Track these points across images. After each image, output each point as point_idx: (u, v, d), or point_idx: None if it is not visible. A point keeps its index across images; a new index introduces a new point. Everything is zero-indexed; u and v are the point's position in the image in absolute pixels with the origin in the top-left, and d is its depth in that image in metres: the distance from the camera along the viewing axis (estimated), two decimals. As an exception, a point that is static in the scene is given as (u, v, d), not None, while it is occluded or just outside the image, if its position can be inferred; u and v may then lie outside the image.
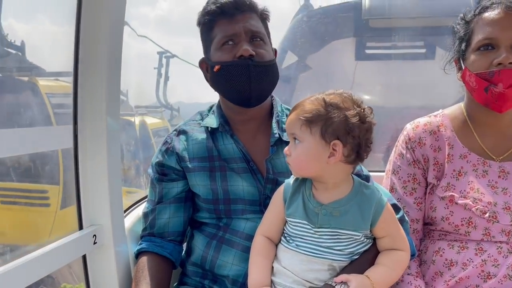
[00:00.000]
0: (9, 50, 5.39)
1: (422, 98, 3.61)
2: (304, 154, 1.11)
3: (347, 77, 3.90)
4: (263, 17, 1.36)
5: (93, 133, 1.31)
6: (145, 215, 1.42)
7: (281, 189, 1.20)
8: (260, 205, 1.31)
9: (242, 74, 1.26)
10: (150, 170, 1.43)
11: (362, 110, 1.11)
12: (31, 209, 5.14)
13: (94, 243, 1.33)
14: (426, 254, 1.42)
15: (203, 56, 1.38)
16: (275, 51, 1.40)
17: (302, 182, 1.18)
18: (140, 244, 1.40)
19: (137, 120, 8.27)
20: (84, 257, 1.36)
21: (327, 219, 1.12)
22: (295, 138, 1.13)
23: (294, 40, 4.28)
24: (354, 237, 1.13)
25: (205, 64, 1.37)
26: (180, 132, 1.41)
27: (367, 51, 4.20)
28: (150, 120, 8.86)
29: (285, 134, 1.31)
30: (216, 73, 1.30)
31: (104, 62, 1.28)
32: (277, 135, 1.33)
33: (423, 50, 4.01)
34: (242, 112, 1.36)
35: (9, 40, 5.31)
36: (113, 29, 1.29)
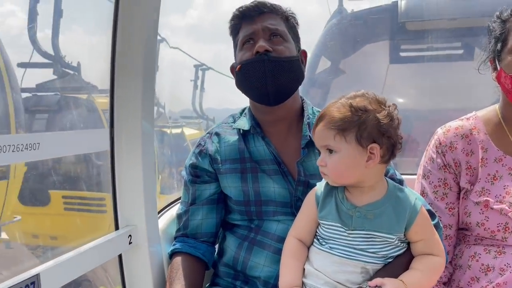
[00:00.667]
0: (67, 70, 5.69)
1: (459, 100, 3.51)
2: (342, 164, 1.10)
3: (381, 81, 3.86)
4: (287, 18, 1.38)
5: (129, 136, 1.36)
6: (179, 216, 1.45)
7: (313, 192, 1.20)
8: (291, 207, 1.32)
9: (258, 69, 1.28)
10: (183, 172, 1.46)
11: (389, 108, 1.11)
12: (90, 215, 5.42)
13: (130, 243, 1.37)
14: (461, 258, 1.39)
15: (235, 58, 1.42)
16: (304, 52, 1.41)
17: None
18: (174, 244, 1.43)
19: (175, 131, 8.53)
20: (120, 257, 1.42)
21: (361, 222, 1.11)
22: (328, 149, 1.11)
23: (327, 45, 4.28)
24: (389, 240, 1.12)
25: (233, 69, 1.41)
26: (213, 134, 1.43)
27: (402, 54, 4.14)
28: (188, 131, 9.09)
29: None
30: (238, 73, 1.34)
31: (139, 69, 1.33)
32: (308, 138, 1.33)
33: (461, 51, 3.91)
34: (269, 112, 1.37)
35: (67, 62, 5.62)
36: (147, 39, 1.34)
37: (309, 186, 1.28)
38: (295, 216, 1.27)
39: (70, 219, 5.42)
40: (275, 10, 1.36)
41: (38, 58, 5.28)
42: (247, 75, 1.31)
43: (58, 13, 5.30)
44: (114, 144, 1.37)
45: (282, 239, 1.24)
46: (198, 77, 10.32)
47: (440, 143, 1.42)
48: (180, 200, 1.50)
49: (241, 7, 1.36)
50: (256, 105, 1.38)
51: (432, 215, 1.25)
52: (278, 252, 1.24)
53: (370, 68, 4.14)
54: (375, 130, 1.07)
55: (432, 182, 1.42)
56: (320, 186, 1.19)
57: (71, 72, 5.74)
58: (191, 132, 9.16)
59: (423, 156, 1.49)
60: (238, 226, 1.40)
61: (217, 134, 1.43)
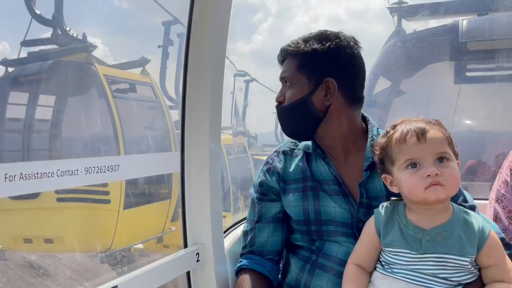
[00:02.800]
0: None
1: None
2: (457, 172, 1.10)
3: (447, 101, 3.75)
4: (301, 56, 1.35)
5: (198, 159, 1.44)
6: (245, 233, 1.48)
7: (372, 219, 1.19)
8: (353, 228, 1.31)
9: (278, 118, 1.43)
10: (251, 190, 1.49)
11: None
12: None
13: (197, 260, 1.44)
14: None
15: None
16: (327, 82, 1.33)
17: (394, 210, 1.16)
18: (240, 261, 1.45)
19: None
20: (188, 274, 1.48)
21: (432, 245, 1.08)
22: (441, 157, 1.09)
23: (387, 65, 4.24)
24: (462, 263, 1.08)
25: None
26: (280, 153, 1.47)
27: (468, 74, 4.01)
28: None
29: None
30: None
31: (207, 96, 1.42)
32: (370, 160, 1.31)
33: (534, 71, 3.72)
34: (317, 139, 1.41)
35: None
36: (215, 66, 1.43)
37: (372, 208, 1.27)
38: (356, 238, 1.27)
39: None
40: (293, 53, 1.37)
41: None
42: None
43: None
44: (184, 166, 1.45)
45: (343, 262, 1.24)
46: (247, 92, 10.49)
47: None
48: (245, 220, 1.54)
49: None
50: None
51: (507, 245, 1.20)
52: (340, 275, 1.24)
53: (433, 88, 4.05)
54: (456, 147, 1.13)
55: (506, 206, 1.37)
56: (378, 213, 1.18)
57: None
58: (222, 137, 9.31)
59: (496, 179, 1.44)
60: (300, 247, 1.41)
61: (284, 153, 1.46)
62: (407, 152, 1.10)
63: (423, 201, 1.09)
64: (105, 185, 5.47)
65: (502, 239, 1.17)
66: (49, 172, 1.02)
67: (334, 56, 1.33)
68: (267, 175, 1.45)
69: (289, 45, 1.38)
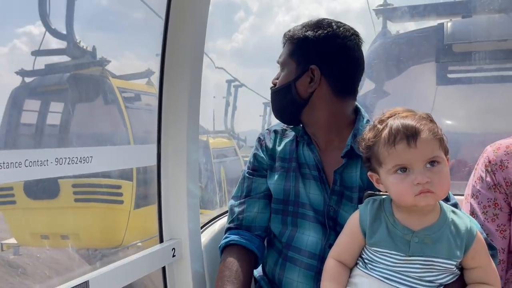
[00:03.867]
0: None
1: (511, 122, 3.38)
2: (448, 176, 1.04)
3: (427, 102, 3.78)
4: (294, 41, 1.36)
5: (175, 153, 1.43)
6: (233, 208, 1.44)
7: (356, 216, 1.14)
8: (323, 216, 1.31)
9: (271, 100, 1.44)
10: (244, 167, 1.50)
11: None
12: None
13: (173, 256, 1.42)
14: (512, 285, 1.32)
15: None
16: (312, 69, 1.33)
17: (380, 207, 1.11)
18: (227, 237, 1.40)
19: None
20: (163, 269, 1.46)
21: (420, 247, 1.04)
22: (432, 161, 1.03)
23: (371, 66, 4.26)
24: (448, 266, 1.05)
25: None
26: (271, 131, 1.48)
27: (450, 75, 4.06)
28: (212, 140, 9.41)
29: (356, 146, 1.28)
30: None
31: (185, 89, 1.40)
32: (349, 147, 1.30)
33: (513, 72, 3.79)
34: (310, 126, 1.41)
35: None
36: (193, 62, 1.42)
37: (343, 197, 1.28)
38: (325, 226, 1.27)
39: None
40: (290, 38, 1.38)
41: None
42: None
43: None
44: (160, 160, 1.43)
45: (313, 255, 1.25)
46: (230, 93, 10.53)
47: (489, 162, 1.37)
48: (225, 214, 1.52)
49: None
50: None
51: (490, 246, 1.18)
52: (310, 268, 1.25)
53: (416, 89, 4.08)
54: (446, 143, 1.07)
55: (481, 202, 1.37)
56: (363, 211, 1.13)
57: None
58: (215, 141, 9.42)
59: (471, 175, 1.45)
60: (275, 237, 1.41)
61: (275, 132, 1.48)
62: (395, 157, 1.04)
63: (412, 206, 1.05)
64: (118, 186, 5.79)
65: (484, 239, 1.15)
66: (16, 162, 0.98)
67: (323, 45, 1.32)
68: (260, 149, 1.47)
69: (288, 31, 1.39)
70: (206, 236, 1.58)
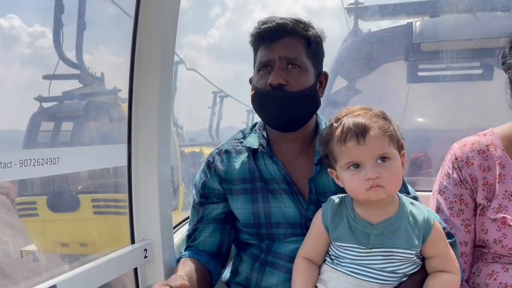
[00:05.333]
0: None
1: (479, 119, 3.49)
2: (398, 171, 1.09)
3: (399, 100, 3.86)
4: (309, 40, 1.29)
5: (146, 152, 1.40)
6: (188, 236, 1.45)
7: (319, 213, 1.18)
8: (302, 228, 1.30)
9: (271, 103, 1.27)
10: (194, 191, 1.45)
11: None
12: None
13: (145, 257, 1.39)
14: (479, 277, 1.36)
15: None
16: (325, 74, 1.35)
17: (342, 203, 1.16)
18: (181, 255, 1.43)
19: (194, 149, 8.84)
20: (135, 270, 1.43)
21: (379, 239, 1.09)
22: (383, 157, 1.08)
23: (344, 64, 4.32)
24: (408, 256, 1.10)
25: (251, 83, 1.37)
26: (222, 152, 1.40)
27: (420, 74, 4.15)
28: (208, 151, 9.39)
29: None
30: (252, 97, 1.33)
31: (155, 88, 1.38)
32: (321, 154, 1.28)
33: (480, 71, 3.90)
34: (282, 135, 1.34)
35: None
36: (164, 59, 1.39)
37: (320, 205, 1.24)
38: (304, 236, 1.26)
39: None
40: (296, 33, 1.27)
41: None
42: (259, 104, 1.30)
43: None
44: (131, 159, 1.40)
45: (293, 259, 1.23)
46: (216, 103, 10.54)
47: (456, 158, 1.41)
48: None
49: (262, 25, 1.28)
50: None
51: (448, 234, 1.23)
52: (290, 272, 1.23)
53: (387, 87, 4.16)
54: (401, 138, 1.12)
55: (448, 198, 1.41)
56: (325, 208, 1.17)
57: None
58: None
59: (439, 171, 1.48)
60: (250, 245, 1.38)
61: (226, 152, 1.40)
62: (347, 154, 1.09)
63: (366, 201, 1.10)
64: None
65: (443, 229, 1.20)
66: (-24, 164, 0.95)
67: (322, 49, 1.35)
68: (209, 176, 1.39)
69: (290, 22, 1.26)
70: (179, 236, 1.57)
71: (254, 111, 1.37)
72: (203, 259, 1.38)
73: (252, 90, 1.33)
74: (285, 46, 1.26)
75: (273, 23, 1.27)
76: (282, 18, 1.28)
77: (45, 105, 6.40)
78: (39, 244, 6.06)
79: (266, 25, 1.28)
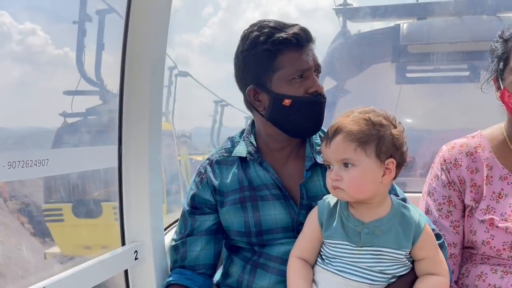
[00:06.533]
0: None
1: (467, 120, 3.54)
2: (361, 177, 1.09)
3: (388, 101, 3.90)
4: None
5: (137, 154, 1.39)
6: (175, 248, 1.39)
7: (315, 211, 1.19)
8: (293, 231, 1.29)
9: (316, 110, 1.26)
10: (184, 201, 1.42)
11: (401, 126, 1.15)
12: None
13: (136, 258, 1.38)
14: (468, 278, 1.38)
15: (249, 81, 1.30)
16: None
17: (337, 202, 1.17)
18: (170, 276, 1.37)
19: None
20: (126, 272, 1.42)
21: (370, 238, 1.11)
22: (346, 163, 1.10)
23: (332, 65, 4.33)
24: (397, 256, 1.11)
25: (255, 93, 1.30)
26: (214, 162, 1.38)
27: (408, 75, 4.19)
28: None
29: (319, 157, 1.30)
30: (286, 106, 1.25)
31: (147, 88, 1.37)
32: (313, 160, 1.31)
33: (467, 73, 3.95)
34: (285, 141, 1.33)
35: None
36: (155, 60, 1.38)
37: (311, 210, 1.25)
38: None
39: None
40: (312, 39, 1.30)
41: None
42: (300, 113, 1.25)
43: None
44: (122, 161, 1.39)
45: (285, 261, 1.23)
46: (217, 112, 10.61)
47: (444, 160, 1.43)
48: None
49: (287, 31, 1.25)
50: (274, 133, 1.32)
51: (437, 235, 1.25)
52: (282, 274, 1.23)
53: (376, 88, 4.19)
54: (392, 145, 1.10)
55: (437, 199, 1.42)
56: (322, 205, 1.19)
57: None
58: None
59: (428, 173, 1.50)
60: (241, 248, 1.38)
61: (218, 162, 1.38)
62: (322, 153, 1.17)
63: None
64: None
65: (432, 230, 1.22)
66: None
67: None
68: (200, 187, 1.37)
69: (303, 27, 1.28)
70: (170, 238, 1.55)
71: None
72: (196, 284, 1.34)
73: (287, 99, 1.25)
74: (312, 52, 1.28)
75: (299, 28, 1.27)
76: (284, 24, 1.28)
77: (69, 120, 7.01)
78: (63, 246, 6.80)
79: (291, 31, 1.25)
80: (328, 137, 1.12)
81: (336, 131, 1.10)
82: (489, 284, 1.31)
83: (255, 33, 1.27)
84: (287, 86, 1.25)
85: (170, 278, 1.36)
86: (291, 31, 1.25)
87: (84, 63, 6.30)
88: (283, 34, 1.24)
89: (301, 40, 1.25)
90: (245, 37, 1.30)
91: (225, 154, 1.39)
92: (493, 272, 1.32)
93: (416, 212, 1.17)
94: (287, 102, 1.25)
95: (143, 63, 1.37)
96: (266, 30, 1.26)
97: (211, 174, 1.37)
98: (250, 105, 1.34)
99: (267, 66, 1.26)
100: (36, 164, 1.10)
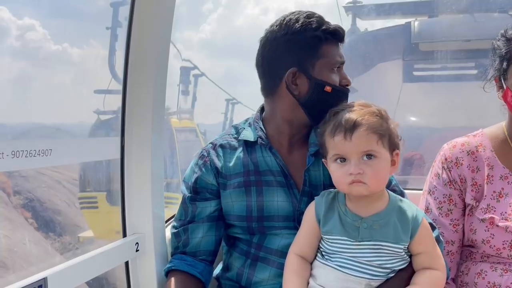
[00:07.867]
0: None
1: (472, 118, 3.51)
2: (383, 169, 1.11)
3: (394, 99, 3.88)
4: None
5: (139, 145, 1.40)
6: (177, 235, 1.40)
7: (312, 207, 1.20)
8: (294, 221, 1.30)
9: (343, 101, 1.30)
10: (183, 187, 1.41)
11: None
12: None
13: (136, 250, 1.40)
14: (468, 276, 1.38)
15: (290, 64, 1.30)
16: None
17: (334, 198, 1.18)
18: (171, 262, 1.37)
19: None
20: (126, 264, 1.43)
21: (368, 232, 1.11)
22: (369, 155, 1.10)
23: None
24: (396, 250, 1.12)
25: (294, 76, 1.31)
26: (217, 146, 1.39)
27: (415, 73, 4.16)
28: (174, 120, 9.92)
29: None
30: (326, 92, 1.29)
31: (150, 80, 1.38)
32: (317, 146, 1.29)
33: (475, 71, 3.92)
34: (300, 127, 1.35)
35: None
36: (159, 52, 1.39)
37: (312, 198, 1.26)
38: (297, 229, 1.26)
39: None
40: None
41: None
42: (334, 101, 1.28)
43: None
44: (124, 152, 1.40)
45: (285, 254, 1.23)
46: (190, 82, 10.74)
47: (446, 159, 1.42)
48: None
49: (331, 24, 1.32)
50: (295, 118, 1.33)
51: (432, 227, 1.25)
52: (282, 267, 1.24)
53: (383, 86, 4.17)
54: (396, 138, 1.14)
55: (437, 198, 1.42)
56: (319, 201, 1.19)
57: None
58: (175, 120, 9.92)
59: (429, 171, 1.49)
60: (240, 240, 1.38)
61: (222, 146, 1.39)
62: (334, 148, 1.13)
63: (348, 194, 1.15)
64: (176, 198, 6.62)
65: (429, 224, 1.22)
66: (-32, 154, 0.95)
67: None
68: (203, 170, 1.36)
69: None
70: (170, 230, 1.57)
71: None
72: (196, 270, 1.35)
73: (328, 86, 1.29)
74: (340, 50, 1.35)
75: (334, 25, 1.33)
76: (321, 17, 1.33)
77: (102, 117, 7.57)
78: (96, 231, 7.41)
79: (332, 25, 1.32)
80: (347, 130, 1.10)
81: (355, 124, 1.10)
82: (489, 282, 1.31)
83: (304, 19, 1.30)
84: (328, 74, 1.30)
85: (171, 264, 1.36)
86: (335, 26, 1.33)
87: (115, 65, 6.76)
88: (331, 26, 1.31)
89: (343, 35, 1.34)
90: (290, 21, 1.31)
91: (229, 139, 1.40)
92: (493, 270, 1.32)
93: (413, 206, 1.18)
94: (328, 89, 1.29)
95: (147, 56, 1.37)
96: (314, 19, 1.30)
97: (214, 157, 1.37)
98: (271, 89, 1.34)
99: (313, 52, 1.30)
100: (39, 154, 1.11)
